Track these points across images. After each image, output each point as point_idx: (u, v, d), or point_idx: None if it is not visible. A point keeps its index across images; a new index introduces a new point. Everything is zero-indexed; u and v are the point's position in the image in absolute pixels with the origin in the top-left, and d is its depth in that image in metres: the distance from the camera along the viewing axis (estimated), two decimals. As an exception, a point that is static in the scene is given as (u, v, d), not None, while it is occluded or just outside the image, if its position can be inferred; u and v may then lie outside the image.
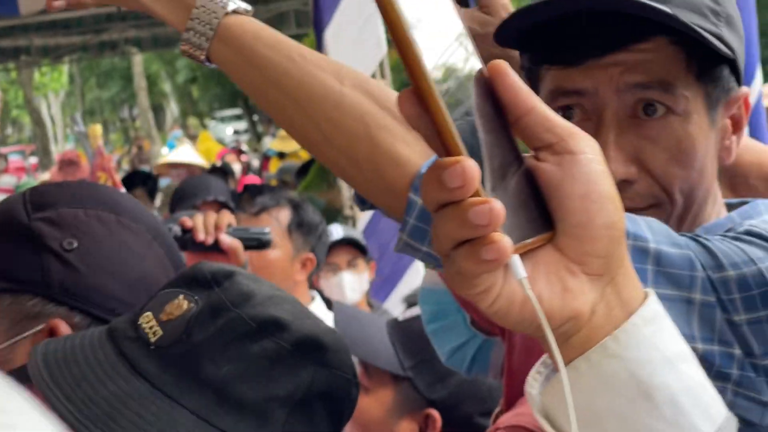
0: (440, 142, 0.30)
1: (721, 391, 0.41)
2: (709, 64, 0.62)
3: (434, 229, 0.31)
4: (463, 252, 0.30)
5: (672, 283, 0.52)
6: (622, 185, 0.57)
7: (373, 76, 1.99)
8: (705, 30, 0.59)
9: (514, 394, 0.93)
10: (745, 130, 0.72)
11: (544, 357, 0.36)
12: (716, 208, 0.67)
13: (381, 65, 2.03)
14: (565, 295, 0.32)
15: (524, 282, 0.30)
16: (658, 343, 0.33)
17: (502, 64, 0.32)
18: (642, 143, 0.61)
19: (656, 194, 0.62)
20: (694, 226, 0.64)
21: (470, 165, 0.29)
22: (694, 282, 0.53)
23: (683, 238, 0.55)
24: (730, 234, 0.58)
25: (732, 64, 0.63)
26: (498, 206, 0.28)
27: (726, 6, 0.64)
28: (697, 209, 0.64)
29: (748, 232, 0.57)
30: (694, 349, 0.41)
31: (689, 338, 0.47)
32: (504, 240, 0.29)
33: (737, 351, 0.53)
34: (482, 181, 0.30)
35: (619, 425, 0.33)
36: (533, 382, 0.36)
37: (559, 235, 0.32)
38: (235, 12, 0.66)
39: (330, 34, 1.68)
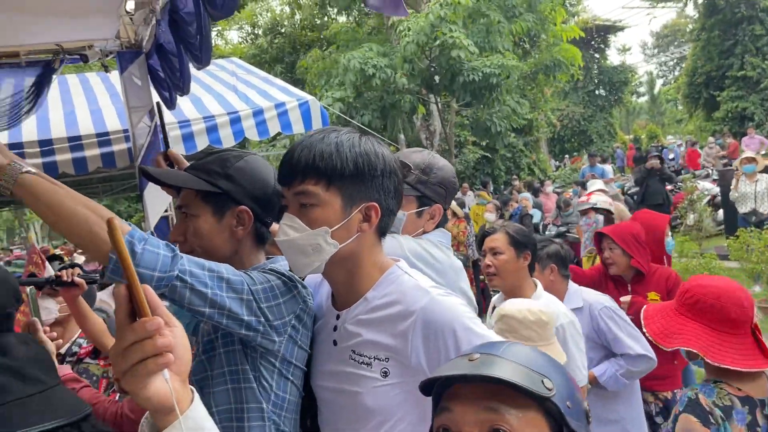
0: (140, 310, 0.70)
1: (254, 337, 1.29)
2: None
3: (124, 354, 0.69)
4: (148, 363, 0.69)
5: (234, 291, 1.24)
6: None
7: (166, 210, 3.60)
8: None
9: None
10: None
11: (146, 415, 0.76)
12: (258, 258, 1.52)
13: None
14: (180, 388, 0.74)
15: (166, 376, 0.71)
16: (198, 410, 0.77)
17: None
18: None
19: None
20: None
21: (159, 320, 0.70)
22: (245, 290, 1.27)
23: (241, 272, 1.30)
24: (259, 269, 1.40)
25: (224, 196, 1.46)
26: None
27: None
28: (243, 262, 1.47)
29: (270, 269, 1.38)
30: (240, 321, 1.26)
31: (241, 315, 1.25)
32: (169, 355, 0.70)
33: (262, 318, 1.29)
34: None
35: None
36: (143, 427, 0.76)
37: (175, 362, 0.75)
38: (27, 172, 1.19)
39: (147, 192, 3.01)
